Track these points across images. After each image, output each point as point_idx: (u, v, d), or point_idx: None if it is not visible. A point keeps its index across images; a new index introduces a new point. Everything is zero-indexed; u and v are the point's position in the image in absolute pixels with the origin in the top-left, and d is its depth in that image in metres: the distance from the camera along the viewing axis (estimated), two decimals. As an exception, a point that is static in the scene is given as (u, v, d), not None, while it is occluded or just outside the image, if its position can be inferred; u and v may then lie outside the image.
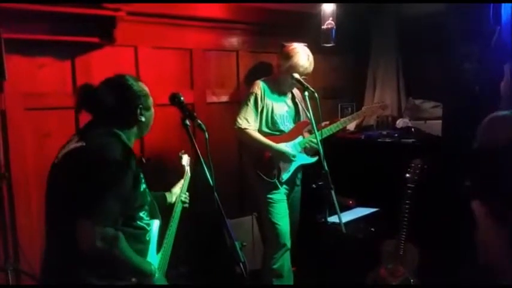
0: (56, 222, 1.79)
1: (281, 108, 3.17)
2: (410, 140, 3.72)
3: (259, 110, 3.10)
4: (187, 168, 2.63)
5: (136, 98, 1.89)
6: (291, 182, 3.24)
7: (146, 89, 1.96)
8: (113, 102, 1.84)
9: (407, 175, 3.01)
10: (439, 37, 3.55)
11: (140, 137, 2.03)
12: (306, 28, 3.94)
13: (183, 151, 2.69)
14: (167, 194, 2.40)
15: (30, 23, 2.82)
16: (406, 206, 2.96)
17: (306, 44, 3.23)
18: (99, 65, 3.09)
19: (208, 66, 3.79)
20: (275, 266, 3.16)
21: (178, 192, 2.43)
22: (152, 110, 2.00)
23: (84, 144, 1.77)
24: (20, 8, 2.67)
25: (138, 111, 1.90)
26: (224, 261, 3.28)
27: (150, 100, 1.97)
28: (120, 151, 1.76)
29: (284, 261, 3.18)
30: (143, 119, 1.93)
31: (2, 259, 2.82)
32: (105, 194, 1.67)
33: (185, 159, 2.67)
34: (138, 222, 1.86)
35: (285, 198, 3.20)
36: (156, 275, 1.86)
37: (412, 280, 2.94)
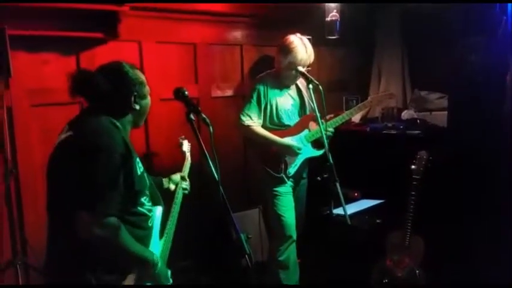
0: (56, 214, 1.80)
1: (285, 103, 3.16)
2: (416, 132, 3.72)
3: (263, 106, 3.09)
4: (188, 154, 2.63)
5: (130, 85, 1.85)
6: (297, 176, 3.24)
7: (142, 77, 1.92)
8: (107, 88, 1.80)
9: (413, 167, 3.01)
10: (444, 28, 3.53)
11: (136, 127, 1.98)
12: (310, 20, 3.93)
13: (182, 136, 2.68)
14: (164, 180, 2.38)
15: (34, 19, 2.83)
16: (412, 198, 2.96)
17: (310, 37, 3.21)
18: (104, 61, 3.04)
19: (212, 60, 3.79)
20: (281, 258, 3.17)
21: (178, 179, 2.42)
22: (148, 98, 1.96)
23: (71, 133, 1.75)
24: (25, 5, 2.68)
25: (132, 98, 1.86)
26: (230, 254, 3.31)
27: (146, 89, 1.93)
28: (109, 135, 1.73)
29: (290, 253, 3.19)
30: (137, 107, 1.89)
31: (11, 254, 2.85)
32: (99, 182, 1.64)
33: (185, 145, 2.66)
34: (139, 208, 1.85)
35: (291, 190, 3.20)
36: (159, 265, 1.85)
37: (417, 271, 2.94)
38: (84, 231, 1.63)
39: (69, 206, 1.66)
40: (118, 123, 1.83)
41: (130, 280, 1.79)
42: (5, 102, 2.77)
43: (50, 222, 1.83)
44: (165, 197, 2.21)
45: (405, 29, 4.51)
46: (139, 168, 1.86)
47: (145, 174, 1.92)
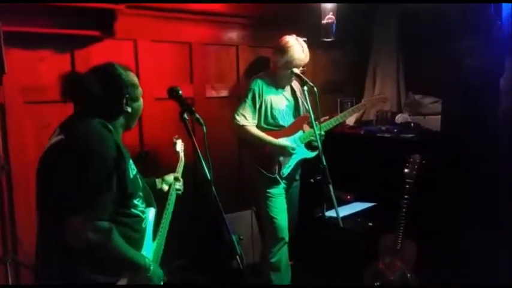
0: (47, 218, 1.77)
1: (280, 103, 3.16)
2: (410, 135, 3.72)
3: (258, 106, 3.09)
4: (182, 154, 2.61)
5: (123, 87, 1.83)
6: (290, 177, 3.24)
7: (135, 79, 1.90)
8: (98, 90, 1.78)
9: (406, 170, 3.02)
10: (440, 32, 3.54)
11: (128, 129, 1.96)
12: (306, 22, 3.93)
13: (176, 136, 2.66)
14: (157, 180, 2.36)
15: (29, 16, 2.82)
16: (405, 201, 2.97)
17: (305, 39, 3.21)
18: (99, 58, 3.06)
19: (207, 60, 3.79)
20: (273, 260, 3.17)
21: (171, 180, 2.40)
22: (141, 101, 1.94)
23: (63, 137, 1.73)
24: (20, 2, 2.67)
25: (124, 101, 1.84)
26: (221, 255, 3.31)
27: (139, 91, 1.91)
28: (100, 139, 1.71)
29: (282, 255, 3.18)
30: (129, 109, 1.86)
31: (1, 251, 2.83)
32: (91, 186, 1.63)
33: (179, 145, 2.65)
34: (133, 210, 1.83)
35: (284, 192, 3.20)
36: (152, 268, 1.84)
37: (409, 275, 2.95)
38: (76, 236, 1.62)
39: (61, 210, 1.64)
40: (110, 126, 1.80)
41: (122, 282, 1.78)
42: (-1, 98, 2.77)
43: (40, 224, 1.80)
44: (159, 198, 2.20)
45: (401, 32, 4.52)
46: (132, 170, 1.85)
47: (138, 176, 1.91)
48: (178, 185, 2.42)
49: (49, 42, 2.96)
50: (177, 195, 2.38)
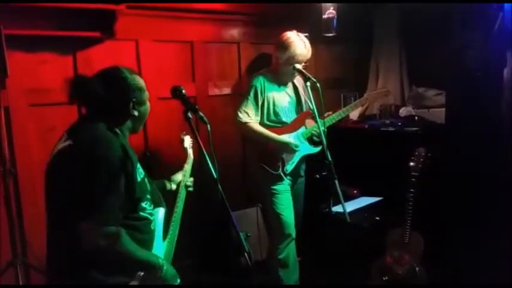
0: (56, 222, 1.78)
1: (283, 100, 3.16)
2: (414, 129, 3.71)
3: (260, 103, 3.08)
4: (190, 151, 2.59)
5: (129, 91, 1.82)
6: (295, 173, 3.24)
7: (142, 82, 1.89)
8: (105, 94, 1.77)
9: (411, 163, 3.00)
10: (442, 24, 3.52)
11: (135, 133, 1.96)
12: (307, 18, 3.92)
13: (184, 132, 2.64)
14: (166, 182, 2.36)
15: (31, 18, 2.82)
16: (411, 195, 2.96)
17: (307, 35, 3.20)
18: (101, 60, 3.10)
19: (209, 58, 3.79)
20: (280, 256, 3.17)
21: (179, 179, 2.39)
22: (147, 104, 1.93)
23: (71, 142, 1.73)
24: (21, 4, 2.67)
25: (131, 104, 1.83)
26: (229, 252, 3.31)
27: (146, 94, 1.90)
28: (108, 144, 1.71)
29: (289, 252, 3.19)
30: (136, 113, 1.86)
31: (11, 254, 2.85)
32: (99, 191, 1.63)
33: (187, 142, 2.62)
34: (141, 213, 1.84)
35: (289, 188, 3.20)
36: (165, 267, 1.85)
37: (417, 268, 2.95)
38: (85, 242, 1.62)
39: (69, 215, 1.65)
40: (117, 130, 1.81)
41: (134, 283, 1.79)
42: (2, 102, 2.77)
43: (49, 228, 1.82)
44: (170, 197, 2.20)
45: (403, 25, 4.50)
46: (140, 174, 1.85)
47: (145, 180, 1.91)
48: (190, 182, 2.40)
49: (51, 44, 2.97)
50: (189, 192, 2.37)
